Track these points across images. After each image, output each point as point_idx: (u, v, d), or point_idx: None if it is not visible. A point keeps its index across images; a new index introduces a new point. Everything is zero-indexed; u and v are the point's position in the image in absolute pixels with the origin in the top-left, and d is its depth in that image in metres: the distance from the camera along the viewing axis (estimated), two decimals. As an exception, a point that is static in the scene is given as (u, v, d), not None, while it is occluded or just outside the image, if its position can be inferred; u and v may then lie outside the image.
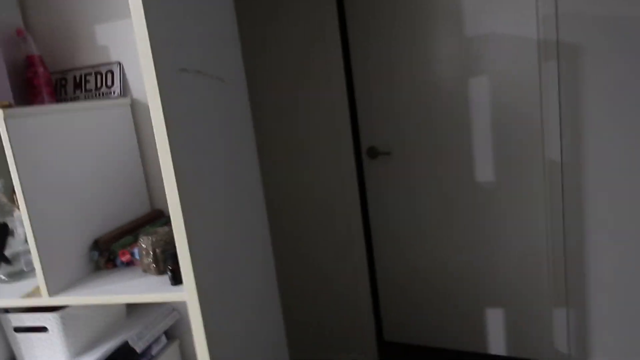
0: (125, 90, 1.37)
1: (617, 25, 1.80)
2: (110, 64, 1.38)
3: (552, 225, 2.02)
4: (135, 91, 1.36)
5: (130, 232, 1.26)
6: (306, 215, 2.30)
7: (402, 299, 2.44)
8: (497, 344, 2.29)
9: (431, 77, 2.15)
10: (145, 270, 1.09)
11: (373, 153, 2.33)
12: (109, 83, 1.38)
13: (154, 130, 0.90)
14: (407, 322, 2.46)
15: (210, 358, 0.99)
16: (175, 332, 1.47)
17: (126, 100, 1.34)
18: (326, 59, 2.13)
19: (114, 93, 1.38)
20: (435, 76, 2.14)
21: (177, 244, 0.94)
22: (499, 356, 2.30)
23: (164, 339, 1.41)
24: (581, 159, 1.93)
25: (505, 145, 2.07)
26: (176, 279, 0.99)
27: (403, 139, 2.26)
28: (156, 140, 0.91)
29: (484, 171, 2.13)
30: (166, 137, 0.90)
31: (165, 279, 1.05)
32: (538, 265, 2.11)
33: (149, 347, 1.33)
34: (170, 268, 1.00)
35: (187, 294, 0.96)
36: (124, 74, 1.36)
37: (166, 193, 0.93)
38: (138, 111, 1.36)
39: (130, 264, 1.18)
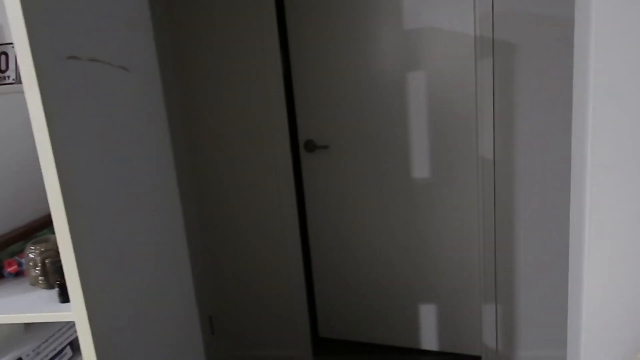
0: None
1: (550, 25, 1.80)
2: (3, 45, 1.21)
3: (484, 223, 2.04)
4: (32, 77, 1.20)
5: (23, 237, 1.12)
6: (241, 209, 2.21)
7: (337, 295, 2.41)
8: (429, 339, 2.30)
9: (370, 71, 2.09)
10: (33, 284, 0.96)
11: (311, 146, 2.26)
12: (3, 67, 1.22)
13: (32, 122, 0.78)
14: (342, 318, 2.43)
15: (104, 383, 0.88)
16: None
17: (21, 87, 1.19)
18: (263, 50, 2.03)
19: (8, 78, 1.22)
20: (374, 70, 2.09)
21: (61, 255, 0.82)
22: (430, 351, 2.32)
23: (69, 352, 1.29)
24: (512, 157, 1.95)
25: (441, 141, 2.05)
26: (64, 295, 0.88)
27: (341, 132, 2.20)
28: (35, 135, 0.78)
29: (420, 166, 2.11)
30: (46, 131, 0.78)
31: (56, 293, 0.93)
32: (470, 262, 2.13)
33: (48, 362, 1.20)
34: (59, 282, 0.88)
35: (74, 313, 0.85)
36: (19, 57, 1.20)
37: (48, 195, 0.81)
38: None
39: (20, 274, 1.05)
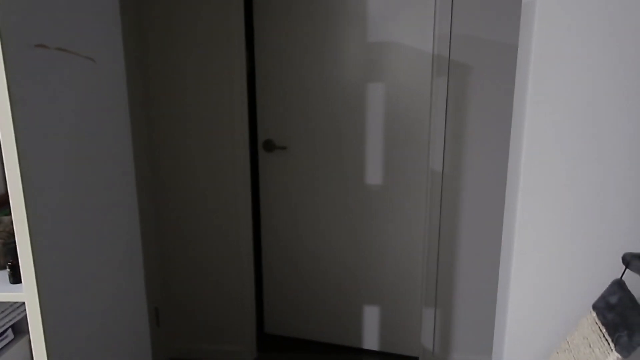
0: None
1: (501, 50, 1.93)
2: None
3: (429, 231, 2.15)
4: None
5: (-27, 216, 1.11)
6: (197, 203, 2.22)
7: (285, 293, 2.46)
8: (370, 339, 2.39)
9: (332, 78, 2.17)
10: (-17, 264, 0.97)
11: (269, 146, 2.31)
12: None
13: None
14: (288, 316, 2.49)
15: (49, 364, 0.90)
16: (25, 326, 1.34)
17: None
18: (229, 50, 2.06)
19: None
20: (335, 77, 2.16)
21: (16, 236, 0.84)
22: (371, 351, 2.41)
23: (10, 335, 1.28)
24: (459, 171, 2.07)
25: (395, 150, 2.15)
26: (15, 276, 0.89)
27: (300, 135, 2.26)
28: (-2, 122, 0.80)
29: (373, 173, 2.20)
30: (9, 116, 0.80)
31: (6, 274, 0.94)
32: (414, 267, 2.24)
33: (-12, 345, 1.19)
34: (10, 263, 0.89)
35: (25, 294, 0.87)
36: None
37: (7, 177, 0.83)
38: None
39: (-32, 253, 1.05)
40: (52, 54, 0.91)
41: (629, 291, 1.03)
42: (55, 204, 0.93)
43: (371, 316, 2.36)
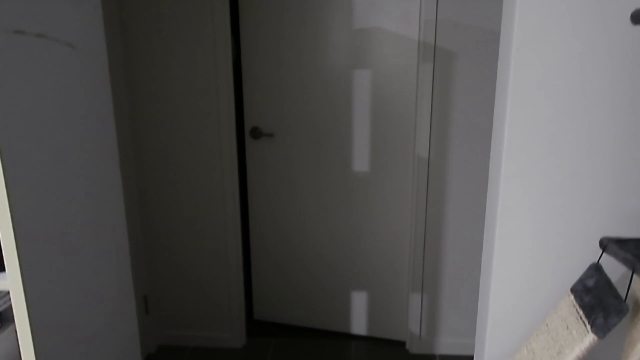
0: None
1: (486, 37, 1.94)
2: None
3: (416, 217, 2.17)
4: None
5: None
6: (184, 190, 2.22)
7: (273, 279, 2.48)
8: (358, 324, 2.43)
9: (318, 65, 2.16)
10: (-35, 253, 0.97)
11: (256, 134, 2.30)
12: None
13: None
14: (277, 302, 2.51)
15: (36, 354, 0.91)
16: (11, 315, 1.34)
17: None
18: (215, 37, 2.04)
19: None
20: (322, 64, 2.16)
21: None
22: (359, 335, 2.45)
23: (-4, 323, 1.28)
24: (445, 157, 2.09)
25: (381, 138, 2.16)
26: (-1, 265, 0.89)
27: (287, 122, 2.26)
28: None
29: (360, 160, 2.21)
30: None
31: (-11, 263, 0.94)
32: (401, 253, 2.26)
33: (-28, 334, 1.19)
34: (-7, 252, 0.89)
35: (10, 282, 0.87)
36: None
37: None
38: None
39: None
40: (30, 40, 0.90)
41: (605, 274, 1.06)
42: (37, 191, 0.93)
43: (359, 302, 2.39)
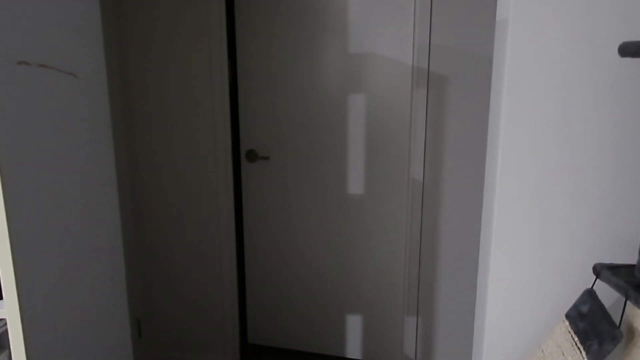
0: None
1: (478, 62, 1.98)
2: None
3: (410, 240, 2.18)
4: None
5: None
6: (179, 212, 2.22)
7: (268, 302, 2.47)
8: (353, 348, 2.41)
9: (314, 89, 2.19)
10: (-39, 280, 0.96)
11: (252, 156, 2.32)
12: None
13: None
14: (271, 325, 2.49)
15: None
16: (5, 340, 1.33)
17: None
18: (211, 60, 2.07)
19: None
20: (317, 88, 2.19)
21: (-3, 255, 0.84)
22: (354, 359, 2.43)
23: (-11, 350, 1.27)
24: (439, 180, 2.11)
25: (376, 160, 2.18)
26: (-5, 293, 0.89)
27: (283, 145, 2.28)
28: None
29: (355, 183, 2.23)
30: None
31: (-15, 290, 0.94)
32: (396, 276, 2.26)
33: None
34: (-10, 280, 0.89)
35: (7, 310, 0.87)
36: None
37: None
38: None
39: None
40: (34, 70, 0.91)
41: (599, 300, 1.07)
42: (36, 219, 0.93)
43: (354, 325, 2.38)
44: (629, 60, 1.12)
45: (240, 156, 2.36)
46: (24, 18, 0.89)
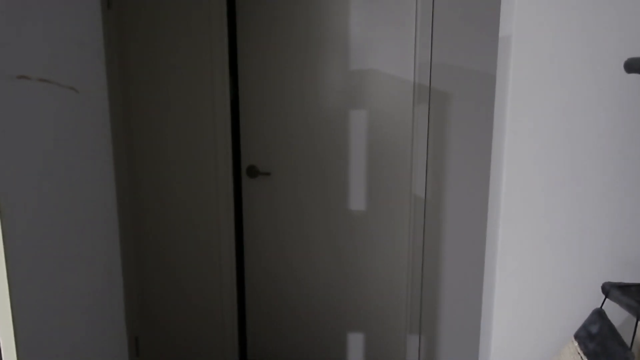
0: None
1: (479, 78, 1.98)
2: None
3: (413, 256, 2.15)
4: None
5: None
6: (178, 229, 2.20)
7: (268, 319, 2.43)
8: (355, 367, 2.37)
9: (315, 105, 2.19)
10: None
11: (253, 172, 2.30)
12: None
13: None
14: (272, 342, 2.45)
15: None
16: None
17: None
18: (213, 76, 2.07)
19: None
20: (319, 104, 2.18)
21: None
22: (356, 379, 2.38)
23: (-18, 370, 1.23)
24: (442, 196, 2.09)
25: (378, 177, 2.17)
26: (-10, 313, 0.86)
27: (284, 161, 2.27)
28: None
29: (357, 199, 2.21)
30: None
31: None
32: (398, 293, 2.23)
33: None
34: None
35: (0, 333, 0.84)
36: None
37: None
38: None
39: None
40: (34, 84, 0.90)
41: (608, 320, 1.04)
42: (33, 237, 0.91)
43: (355, 342, 2.34)
44: (632, 76, 1.11)
45: (241, 172, 2.34)
46: (25, 32, 0.88)
